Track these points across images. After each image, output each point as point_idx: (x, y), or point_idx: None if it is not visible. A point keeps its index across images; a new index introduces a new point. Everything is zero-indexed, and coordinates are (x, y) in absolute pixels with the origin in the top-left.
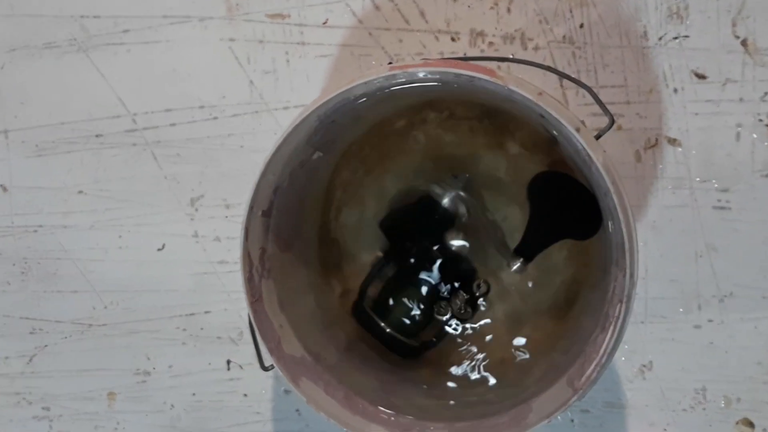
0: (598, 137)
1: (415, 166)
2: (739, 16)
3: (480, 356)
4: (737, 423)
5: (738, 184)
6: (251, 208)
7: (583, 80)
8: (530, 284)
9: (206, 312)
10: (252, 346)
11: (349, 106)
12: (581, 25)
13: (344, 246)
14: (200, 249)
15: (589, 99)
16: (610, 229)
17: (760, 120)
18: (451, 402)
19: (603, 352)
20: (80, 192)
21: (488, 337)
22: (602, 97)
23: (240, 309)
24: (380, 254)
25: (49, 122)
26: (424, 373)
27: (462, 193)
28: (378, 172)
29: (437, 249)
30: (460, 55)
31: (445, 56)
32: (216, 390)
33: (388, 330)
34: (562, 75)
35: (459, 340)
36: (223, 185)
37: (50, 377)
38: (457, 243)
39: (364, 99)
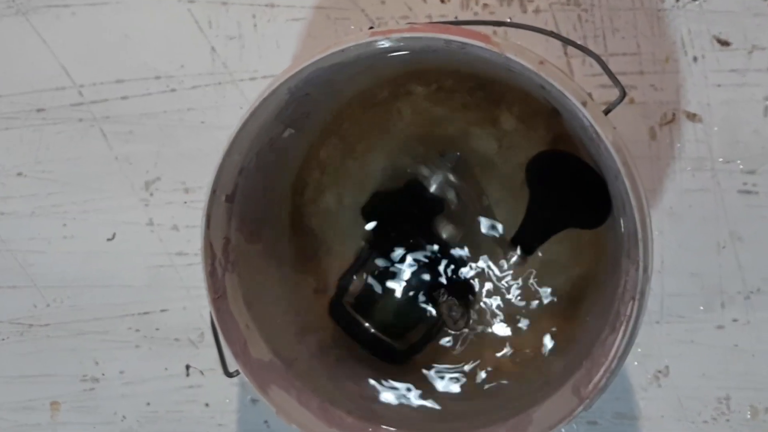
0: (607, 112)
1: (400, 143)
2: None
3: (473, 360)
4: None
5: (766, 165)
6: (214, 192)
7: (590, 47)
8: (530, 279)
9: (162, 310)
10: (214, 349)
11: (325, 76)
12: None
13: (321, 235)
14: (156, 239)
15: (597, 69)
16: (621, 217)
17: None
18: (441, 412)
19: (613, 356)
20: (19, 174)
21: (482, 339)
22: (612, 67)
23: (201, 307)
24: (363, 244)
25: None
26: (410, 379)
27: (451, 176)
28: (358, 150)
29: (425, 238)
30: (451, 18)
31: (434, 20)
32: (174, 399)
33: (371, 330)
34: (567, 41)
35: (449, 341)
36: (181, 166)
37: None
38: (447, 232)
39: (342, 69)
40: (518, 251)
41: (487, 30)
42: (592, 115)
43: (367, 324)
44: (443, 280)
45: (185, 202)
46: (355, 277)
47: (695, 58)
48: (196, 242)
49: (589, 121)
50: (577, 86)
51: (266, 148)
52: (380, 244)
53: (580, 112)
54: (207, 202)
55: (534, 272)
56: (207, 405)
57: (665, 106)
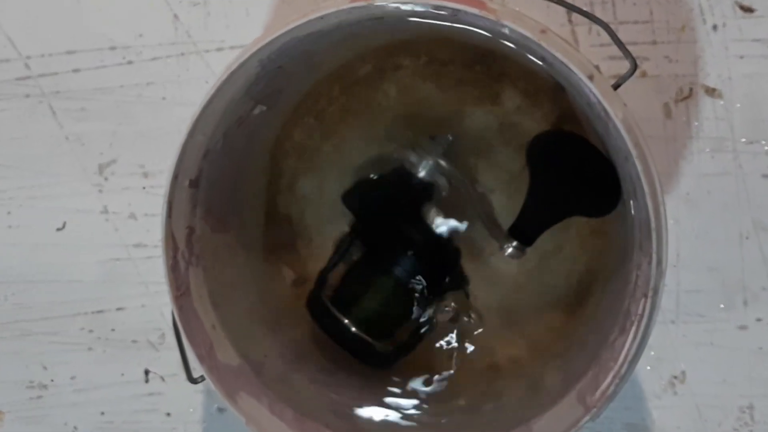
0: (616, 87)
1: (385, 124)
2: None
3: (467, 364)
4: None
5: None
6: (176, 176)
7: (598, 14)
8: (530, 273)
9: (119, 309)
10: (177, 352)
11: (301, 47)
12: None
13: (298, 223)
14: (111, 229)
15: (606, 38)
16: (632, 204)
17: None
18: (432, 424)
19: (623, 360)
20: None
21: (477, 341)
22: (622, 36)
23: (162, 305)
24: (345, 232)
25: None
26: (397, 386)
27: (442, 162)
28: (337, 131)
29: (413, 228)
30: None
31: None
32: (131, 408)
33: (351, 329)
34: (571, 7)
35: (440, 343)
36: (139, 148)
37: None
38: (437, 221)
39: (320, 39)
40: (516, 242)
41: None
42: (599, 91)
43: (346, 321)
44: (432, 272)
45: (144, 188)
46: (336, 268)
47: (715, 27)
48: (156, 232)
49: (597, 96)
50: (582, 58)
51: (234, 127)
52: (364, 233)
53: (586, 87)
54: (168, 188)
55: (534, 265)
56: (168, 414)
57: (681, 80)
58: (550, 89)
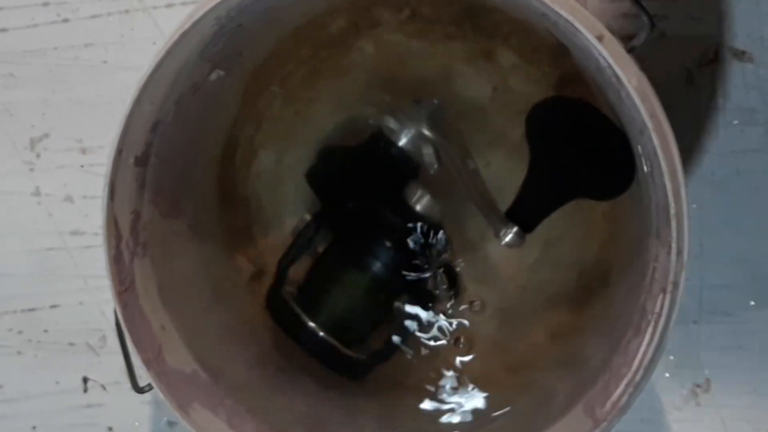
0: (630, 49)
1: (360, 89)
2: None
3: (458, 371)
4: None
5: None
6: (119, 152)
7: None
8: (530, 265)
9: (52, 306)
10: (120, 356)
11: (264, 3)
12: None
13: (257, 206)
14: (43, 213)
15: None
16: (648, 185)
17: None
18: None
19: (638, 366)
20: None
21: (471, 343)
22: None
23: (102, 302)
24: (308, 218)
25: None
26: (375, 396)
27: (427, 131)
28: (305, 98)
29: (393, 212)
30: None
31: None
32: (68, 421)
33: (318, 333)
34: None
35: (426, 347)
36: (77, 119)
37: None
38: (422, 203)
39: None
40: (515, 228)
41: None
42: (610, 54)
43: (312, 324)
44: (414, 265)
45: (82, 166)
46: (299, 259)
47: None
48: (96, 218)
49: (607, 60)
50: (591, 16)
51: (188, 95)
52: (331, 218)
53: (594, 50)
54: (110, 166)
55: (535, 256)
56: (110, 429)
57: (705, 41)
58: (551, 47)
